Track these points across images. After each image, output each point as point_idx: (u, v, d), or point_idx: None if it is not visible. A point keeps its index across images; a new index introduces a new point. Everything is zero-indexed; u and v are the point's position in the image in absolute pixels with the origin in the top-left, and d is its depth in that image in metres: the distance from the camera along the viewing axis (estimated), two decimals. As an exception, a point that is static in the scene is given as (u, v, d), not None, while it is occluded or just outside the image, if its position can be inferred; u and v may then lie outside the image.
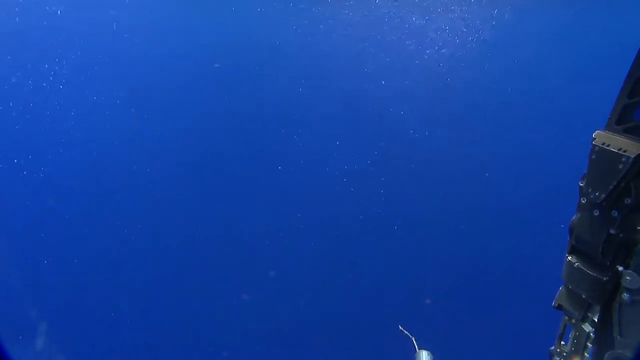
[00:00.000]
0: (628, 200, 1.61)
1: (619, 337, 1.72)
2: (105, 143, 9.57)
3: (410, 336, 4.33)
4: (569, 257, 1.92)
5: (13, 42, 9.57)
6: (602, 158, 1.67)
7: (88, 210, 9.16)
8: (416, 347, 4.29)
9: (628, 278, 1.64)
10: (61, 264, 8.63)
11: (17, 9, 9.55)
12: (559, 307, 2.06)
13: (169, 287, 8.78)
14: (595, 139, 1.72)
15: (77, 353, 7.97)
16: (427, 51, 9.93)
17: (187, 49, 10.64)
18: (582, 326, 1.97)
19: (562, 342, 2.17)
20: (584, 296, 1.87)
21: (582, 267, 1.84)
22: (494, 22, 9.82)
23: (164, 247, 9.01)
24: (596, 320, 1.88)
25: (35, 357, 7.54)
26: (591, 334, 1.93)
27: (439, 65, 9.91)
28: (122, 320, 8.35)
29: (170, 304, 8.62)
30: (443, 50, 9.89)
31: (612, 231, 1.67)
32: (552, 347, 2.21)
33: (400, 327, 4.41)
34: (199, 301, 8.66)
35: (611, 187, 1.63)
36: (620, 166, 1.59)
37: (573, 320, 2.03)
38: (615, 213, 1.65)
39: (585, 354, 1.98)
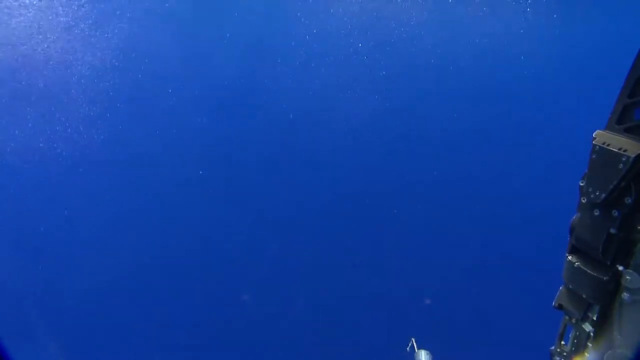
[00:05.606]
0: (628, 200, 1.61)
1: (619, 336, 1.72)
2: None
3: (413, 343, 4.38)
4: (570, 257, 1.93)
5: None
6: (603, 158, 1.67)
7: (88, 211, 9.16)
8: (415, 348, 4.31)
9: (628, 277, 1.64)
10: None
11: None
12: (559, 307, 2.06)
13: (169, 288, 8.79)
14: (595, 138, 1.73)
15: (77, 353, 7.98)
16: (426, 51, 9.91)
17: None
18: (583, 326, 1.97)
19: (563, 342, 2.17)
20: (584, 296, 1.87)
21: (583, 267, 1.84)
22: (493, 22, 9.82)
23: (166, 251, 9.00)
24: (596, 319, 1.89)
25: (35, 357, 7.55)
26: (591, 334, 1.93)
27: (436, 65, 9.90)
28: (122, 321, 8.36)
29: (170, 305, 8.62)
30: (440, 50, 9.88)
31: (612, 231, 1.67)
32: (553, 347, 2.22)
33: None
34: (199, 302, 8.67)
35: (611, 186, 1.63)
36: (621, 166, 1.59)
37: (573, 320, 2.04)
38: (615, 213, 1.65)
39: (586, 354, 1.98)
